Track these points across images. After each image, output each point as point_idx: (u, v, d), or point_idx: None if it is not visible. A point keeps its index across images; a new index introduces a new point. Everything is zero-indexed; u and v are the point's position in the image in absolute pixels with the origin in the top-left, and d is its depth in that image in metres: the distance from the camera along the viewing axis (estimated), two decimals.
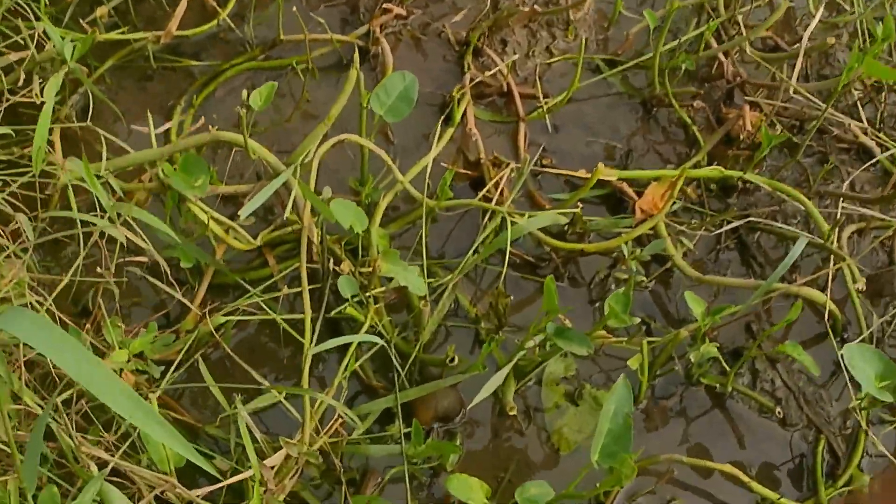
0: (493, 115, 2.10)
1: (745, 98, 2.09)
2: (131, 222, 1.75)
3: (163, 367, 1.77)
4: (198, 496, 1.57)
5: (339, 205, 1.66)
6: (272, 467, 1.62)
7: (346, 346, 1.78)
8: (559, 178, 2.02)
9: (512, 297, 1.73)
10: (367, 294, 1.77)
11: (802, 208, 2.04)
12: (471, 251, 1.79)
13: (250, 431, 1.61)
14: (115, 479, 1.56)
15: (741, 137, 2.04)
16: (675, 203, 1.97)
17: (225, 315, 1.76)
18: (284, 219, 1.91)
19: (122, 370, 1.64)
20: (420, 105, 2.08)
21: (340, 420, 1.65)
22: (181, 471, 1.71)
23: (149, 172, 1.87)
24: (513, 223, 1.77)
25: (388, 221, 1.94)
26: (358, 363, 1.75)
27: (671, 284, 1.97)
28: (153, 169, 1.83)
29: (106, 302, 1.82)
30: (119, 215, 1.67)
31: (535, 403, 1.85)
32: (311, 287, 1.85)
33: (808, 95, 2.06)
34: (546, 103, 2.06)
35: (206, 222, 1.74)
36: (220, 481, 1.59)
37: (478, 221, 1.96)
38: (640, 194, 1.95)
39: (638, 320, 1.66)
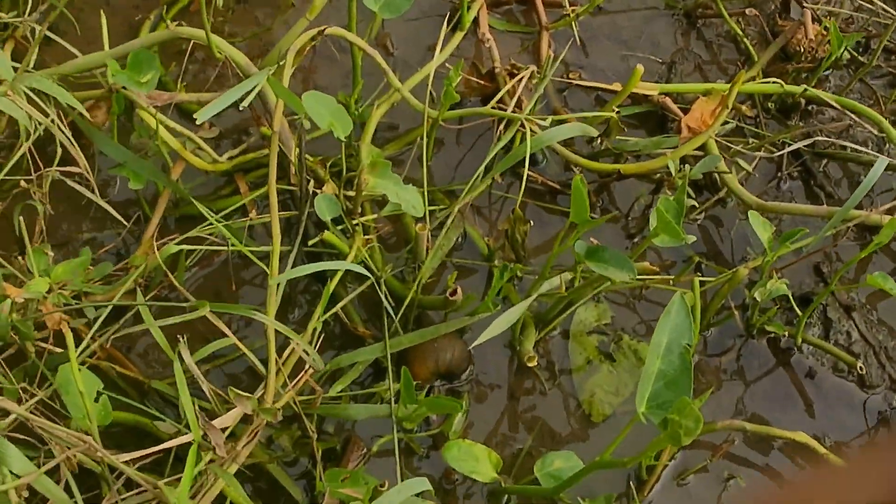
0: (509, 25, 1.61)
1: (804, 5, 1.59)
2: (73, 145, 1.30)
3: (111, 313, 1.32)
4: (126, 462, 1.11)
5: (313, 99, 1.19)
6: (223, 429, 1.15)
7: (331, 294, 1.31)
8: (589, 95, 1.53)
9: (532, 223, 1.25)
10: (355, 222, 1.30)
11: (874, 134, 1.55)
12: (482, 167, 1.31)
13: (196, 388, 1.15)
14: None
15: (801, 51, 1.55)
16: (727, 123, 1.49)
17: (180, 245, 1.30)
18: (260, 139, 1.46)
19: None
20: (425, 15, 1.62)
21: (311, 371, 1.18)
22: (121, 437, 1.26)
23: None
24: (532, 133, 1.29)
25: (384, 143, 1.47)
26: (340, 305, 1.28)
27: (723, 221, 1.47)
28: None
29: (47, 238, 1.37)
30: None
31: (560, 360, 1.36)
32: (286, 214, 1.38)
33: (878, 1, 1.56)
34: (573, 11, 1.58)
35: (155, 127, 1.28)
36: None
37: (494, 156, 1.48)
38: (686, 112, 1.46)
39: (693, 238, 1.17)
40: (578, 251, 1.09)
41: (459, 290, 1.17)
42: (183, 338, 1.15)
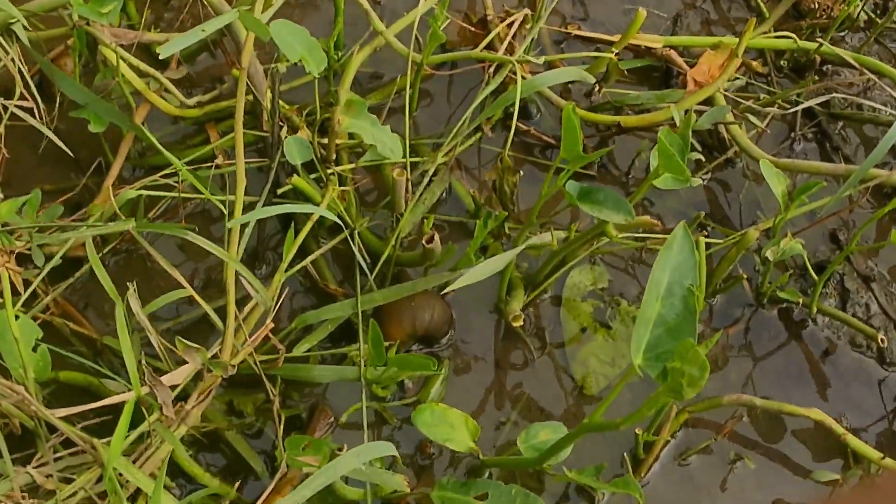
0: None
1: None
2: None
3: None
4: (65, 421, 0.94)
5: (283, 28, 1.02)
6: (172, 387, 0.98)
7: (302, 248, 1.14)
8: (588, 47, 1.35)
9: (521, 173, 1.08)
10: (329, 171, 1.13)
11: (893, 98, 1.36)
12: (468, 111, 1.14)
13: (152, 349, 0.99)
14: None
15: (815, 7, 1.38)
16: (736, 79, 1.31)
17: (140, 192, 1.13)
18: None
19: None
20: None
21: (272, 325, 1.00)
22: (71, 399, 1.09)
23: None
24: (524, 78, 1.12)
25: (367, 92, 1.30)
26: (310, 258, 1.11)
27: (732, 184, 1.30)
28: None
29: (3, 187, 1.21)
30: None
31: (552, 327, 1.18)
32: (256, 161, 1.22)
33: None
34: None
35: (116, 63, 1.12)
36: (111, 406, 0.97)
37: (483, 103, 1.30)
38: (692, 67, 1.29)
39: (699, 182, 1.00)
40: (570, 191, 0.92)
41: (437, 237, 0.99)
42: (133, 285, 0.99)
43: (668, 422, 1.09)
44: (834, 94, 1.29)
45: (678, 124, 1.13)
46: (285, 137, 1.13)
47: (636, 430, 1.06)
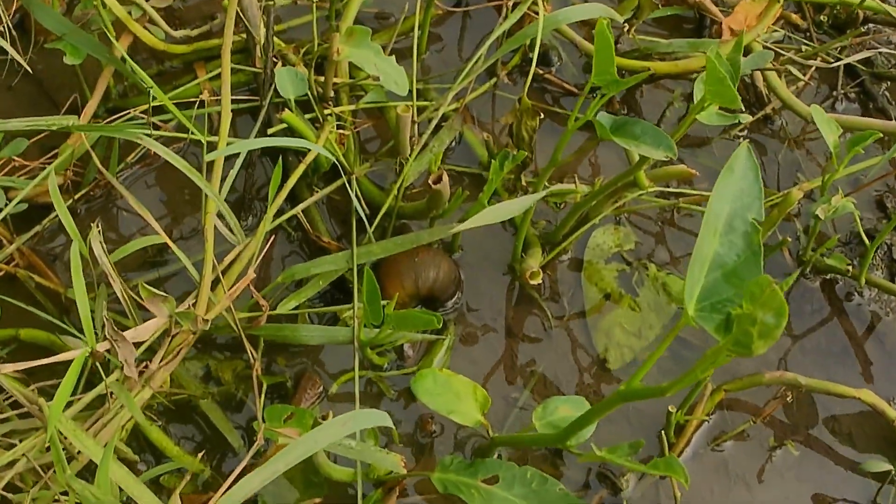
0: None
1: None
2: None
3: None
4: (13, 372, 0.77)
5: None
6: (137, 344, 0.80)
7: (294, 198, 0.97)
8: None
9: (542, 115, 0.90)
10: (327, 111, 0.96)
11: None
12: (484, 47, 0.96)
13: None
14: None
15: None
16: (774, 31, 1.13)
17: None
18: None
19: None
20: None
21: (253, 276, 0.82)
22: (31, 357, 0.91)
23: None
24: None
25: (373, 34, 1.13)
26: (301, 206, 0.93)
27: (767, 146, 1.12)
28: None
29: None
30: None
31: (571, 293, 1.00)
32: (247, 99, 1.04)
33: None
34: None
35: None
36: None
37: (500, 41, 1.12)
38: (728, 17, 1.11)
39: (748, 118, 0.82)
40: (602, 123, 0.73)
41: (445, 176, 0.81)
42: (97, 225, 0.81)
43: (701, 401, 0.91)
44: (879, 51, 1.11)
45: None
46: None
47: (669, 408, 0.88)
